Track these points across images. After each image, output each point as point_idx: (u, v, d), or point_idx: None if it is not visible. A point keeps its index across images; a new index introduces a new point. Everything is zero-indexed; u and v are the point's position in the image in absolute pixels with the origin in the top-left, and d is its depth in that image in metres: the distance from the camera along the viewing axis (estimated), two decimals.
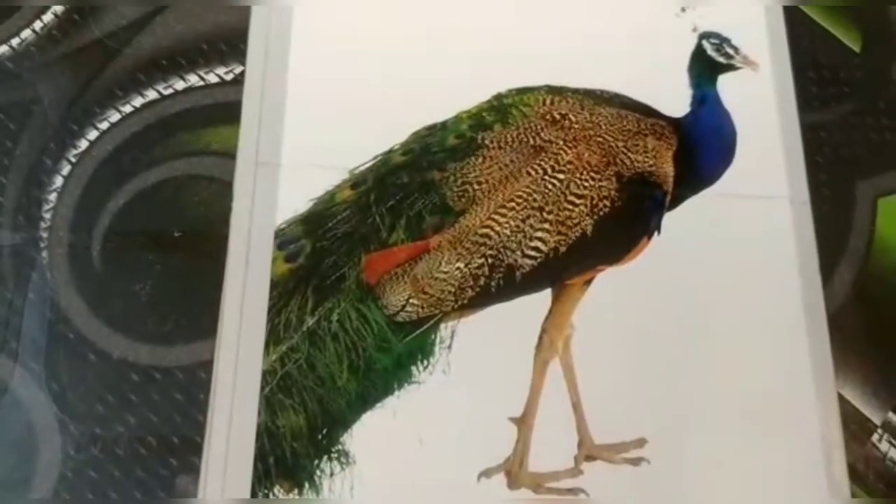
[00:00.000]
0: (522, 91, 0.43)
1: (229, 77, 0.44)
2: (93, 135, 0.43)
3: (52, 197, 0.42)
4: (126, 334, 0.40)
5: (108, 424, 0.39)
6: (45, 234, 0.41)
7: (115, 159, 0.43)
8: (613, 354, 0.40)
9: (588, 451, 0.39)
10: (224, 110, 0.44)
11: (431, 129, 0.42)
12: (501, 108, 0.42)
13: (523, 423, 0.39)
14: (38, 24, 0.45)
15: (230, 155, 0.42)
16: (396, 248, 0.40)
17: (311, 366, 0.38)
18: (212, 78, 0.44)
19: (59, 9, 0.45)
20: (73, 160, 0.43)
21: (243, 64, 0.44)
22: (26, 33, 0.45)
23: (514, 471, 0.38)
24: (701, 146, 0.42)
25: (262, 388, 0.38)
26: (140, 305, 0.40)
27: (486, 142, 0.41)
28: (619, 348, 0.40)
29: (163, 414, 0.39)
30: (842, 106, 0.46)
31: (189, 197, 0.42)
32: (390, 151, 0.42)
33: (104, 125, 0.43)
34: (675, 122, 0.43)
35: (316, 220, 0.41)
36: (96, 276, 0.41)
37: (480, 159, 0.41)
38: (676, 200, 0.42)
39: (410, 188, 0.41)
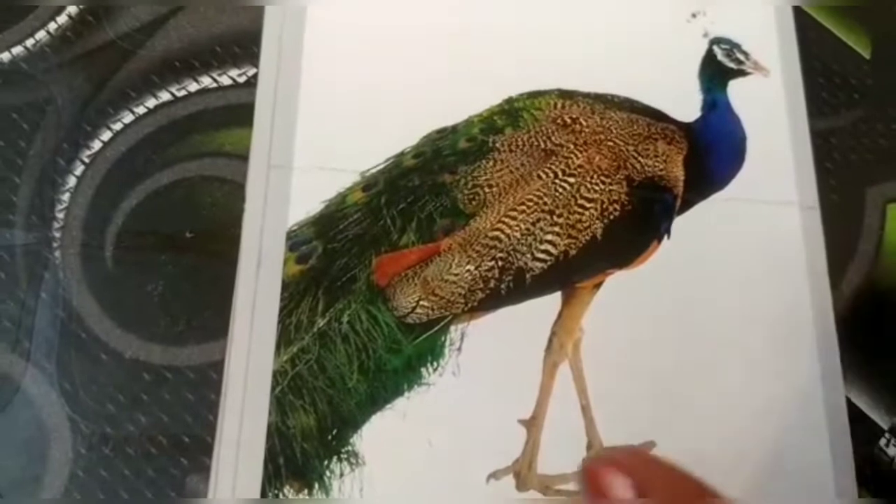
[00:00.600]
0: (533, 95, 0.43)
1: (242, 79, 0.45)
2: (106, 136, 0.43)
3: (66, 197, 0.42)
4: (138, 334, 0.40)
5: (119, 424, 0.39)
6: (58, 234, 0.41)
7: (129, 160, 0.43)
8: (623, 357, 0.40)
9: (597, 454, 0.39)
10: (237, 112, 0.44)
11: (442, 133, 0.42)
12: (512, 112, 0.42)
13: (532, 425, 0.39)
14: (52, 26, 0.45)
15: (243, 157, 0.43)
16: (407, 250, 0.40)
17: (321, 367, 0.39)
18: (225, 80, 0.45)
19: (73, 10, 0.46)
20: (87, 161, 0.43)
21: (256, 66, 0.45)
22: (41, 34, 0.45)
23: (523, 472, 0.38)
24: (711, 151, 0.43)
25: (273, 389, 0.38)
26: (152, 305, 0.41)
27: (497, 145, 0.41)
28: (628, 351, 0.40)
29: (174, 414, 0.39)
30: (852, 112, 0.46)
31: (202, 198, 0.42)
32: (401, 154, 0.42)
33: (118, 126, 0.44)
34: (685, 127, 0.43)
35: (327, 222, 0.41)
36: (109, 276, 0.41)
37: (491, 162, 0.41)
38: (686, 205, 0.42)
39: (421, 191, 0.41)
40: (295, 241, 0.40)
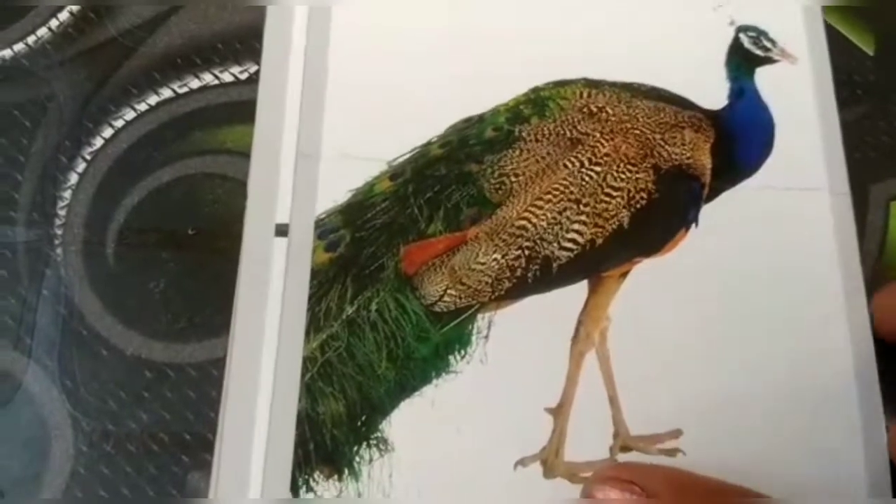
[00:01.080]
0: (560, 84, 0.43)
1: (244, 76, 0.45)
2: (108, 133, 0.43)
3: (67, 194, 0.42)
4: (140, 331, 0.40)
5: (120, 421, 0.39)
6: (59, 232, 0.41)
7: (130, 157, 0.43)
8: (650, 346, 0.40)
9: (623, 442, 0.39)
10: (239, 109, 0.44)
11: (469, 122, 0.42)
12: (538, 101, 0.42)
13: (559, 413, 0.39)
14: (54, 23, 0.45)
15: (245, 153, 0.42)
16: (434, 239, 0.40)
17: (350, 354, 0.39)
18: (227, 77, 0.45)
19: (75, 7, 0.46)
20: (89, 158, 0.43)
21: (258, 63, 0.45)
22: (42, 31, 0.45)
23: (550, 460, 0.38)
24: (739, 138, 0.43)
25: (303, 376, 0.38)
26: (154, 302, 0.41)
27: (524, 134, 0.41)
28: (655, 340, 0.40)
29: (176, 411, 0.39)
30: (854, 109, 0.46)
31: (203, 195, 0.42)
32: (428, 144, 0.42)
33: (119, 123, 0.44)
34: (712, 115, 0.43)
35: (355, 211, 0.41)
36: (110, 273, 0.41)
37: (517, 152, 0.41)
38: (714, 192, 0.42)
39: (448, 180, 0.41)
40: (323, 229, 0.40)
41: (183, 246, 0.41)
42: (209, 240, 0.42)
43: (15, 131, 0.43)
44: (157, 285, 0.41)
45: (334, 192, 0.41)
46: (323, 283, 0.40)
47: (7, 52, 0.44)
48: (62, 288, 0.41)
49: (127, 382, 0.39)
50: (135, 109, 0.44)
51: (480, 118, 0.42)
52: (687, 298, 0.41)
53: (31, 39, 0.45)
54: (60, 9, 0.45)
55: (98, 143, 0.43)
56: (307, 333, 0.39)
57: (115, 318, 0.40)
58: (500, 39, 0.45)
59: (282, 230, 0.41)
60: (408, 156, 0.42)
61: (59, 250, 0.41)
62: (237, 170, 0.43)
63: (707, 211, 0.42)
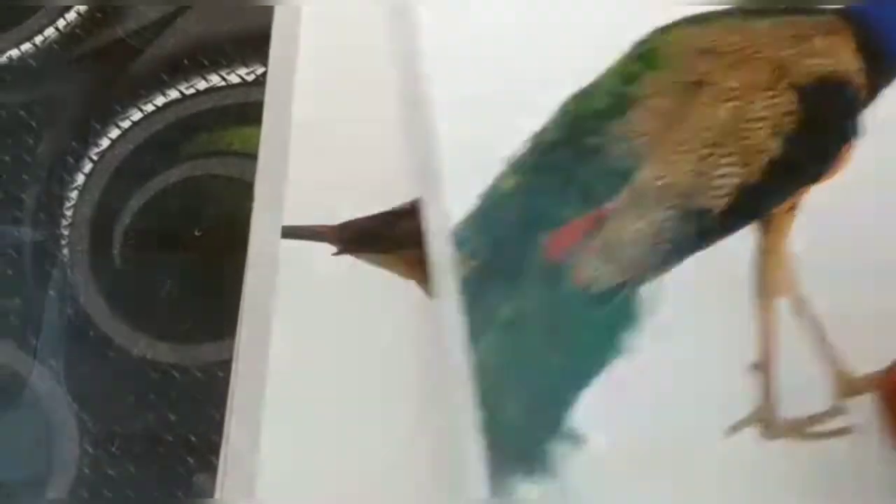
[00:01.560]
0: (663, 30, 0.40)
1: (251, 78, 0.45)
2: (115, 133, 0.43)
3: (74, 195, 0.42)
4: (146, 332, 0.40)
5: (126, 422, 0.39)
6: (66, 232, 0.41)
7: (137, 158, 0.43)
8: (846, 276, 0.36)
9: (849, 386, 0.35)
10: (246, 111, 0.44)
11: (579, 97, 0.40)
12: (645, 55, 0.40)
13: (764, 368, 0.36)
14: (61, 23, 0.45)
15: (251, 155, 0.42)
16: (573, 222, 0.38)
17: (516, 356, 0.37)
18: (233, 78, 0.45)
19: (82, 8, 0.46)
20: (95, 158, 0.43)
21: (265, 64, 0.44)
22: (49, 31, 0.45)
23: (768, 419, 0.35)
24: (886, 26, 0.38)
25: (475, 384, 0.36)
26: (160, 303, 0.41)
27: (639, 93, 0.39)
28: (850, 269, 0.36)
29: (181, 412, 0.39)
30: None
31: (210, 197, 0.42)
32: (543, 130, 0.40)
33: (126, 124, 0.44)
34: (846, 13, 0.39)
35: (487, 215, 0.39)
36: (117, 273, 0.41)
37: (637, 112, 0.38)
38: (874, 92, 0.38)
39: (570, 160, 0.39)
40: (461, 239, 0.39)
41: (189, 247, 0.41)
42: (216, 241, 0.42)
43: (21, 131, 0.43)
44: (163, 286, 0.41)
45: (463, 200, 0.39)
46: (472, 292, 0.38)
47: (14, 52, 0.45)
48: (68, 288, 0.41)
49: (133, 384, 0.39)
50: (141, 110, 0.44)
51: (590, 89, 0.40)
52: (877, 214, 0.36)
53: (38, 39, 0.45)
54: (68, 9, 0.46)
55: (105, 143, 0.43)
56: (469, 341, 0.36)
57: (121, 319, 0.40)
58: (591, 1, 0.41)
59: (288, 232, 0.40)
60: (526, 148, 0.39)
61: (65, 251, 0.41)
62: (244, 171, 0.43)
63: (872, 114, 0.37)
